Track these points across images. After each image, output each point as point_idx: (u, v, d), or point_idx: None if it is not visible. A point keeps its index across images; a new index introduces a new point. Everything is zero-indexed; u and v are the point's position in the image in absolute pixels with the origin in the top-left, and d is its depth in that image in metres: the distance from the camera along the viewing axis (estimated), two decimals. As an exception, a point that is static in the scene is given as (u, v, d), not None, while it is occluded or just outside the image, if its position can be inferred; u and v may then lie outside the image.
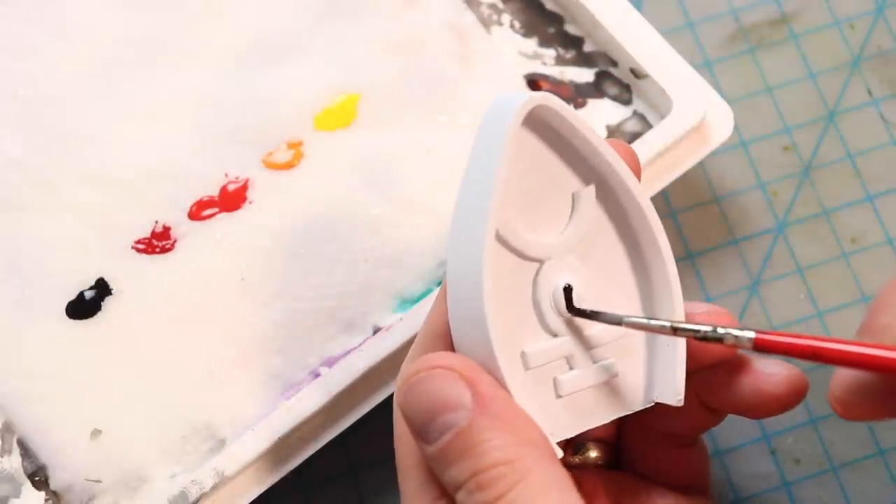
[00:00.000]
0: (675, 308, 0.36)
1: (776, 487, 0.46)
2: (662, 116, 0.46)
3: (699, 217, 0.49)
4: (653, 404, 0.36)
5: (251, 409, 0.44)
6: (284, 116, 0.47)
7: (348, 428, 0.43)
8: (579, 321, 0.35)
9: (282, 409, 0.42)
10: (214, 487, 0.42)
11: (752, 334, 0.32)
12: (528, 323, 0.35)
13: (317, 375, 0.44)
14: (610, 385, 0.36)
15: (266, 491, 0.42)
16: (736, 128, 0.47)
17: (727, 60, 0.51)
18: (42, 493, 0.43)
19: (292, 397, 0.43)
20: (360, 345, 0.44)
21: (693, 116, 0.45)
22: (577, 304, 0.35)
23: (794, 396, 0.36)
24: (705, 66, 0.51)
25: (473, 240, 0.32)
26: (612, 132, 0.47)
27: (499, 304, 0.33)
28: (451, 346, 0.34)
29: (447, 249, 0.34)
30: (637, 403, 0.36)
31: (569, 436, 0.35)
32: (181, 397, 0.44)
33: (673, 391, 0.35)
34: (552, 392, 0.35)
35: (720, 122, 0.46)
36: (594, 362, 0.36)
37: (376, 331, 0.44)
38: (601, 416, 0.36)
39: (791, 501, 0.46)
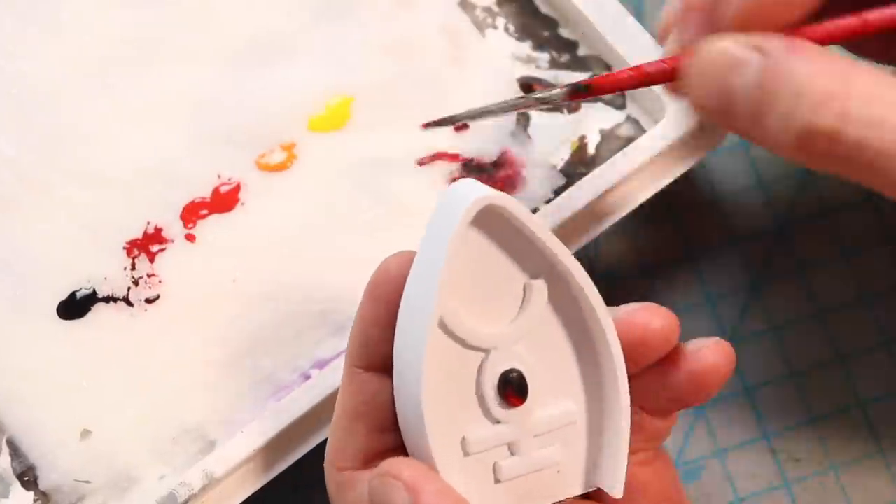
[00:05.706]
0: (621, 398, 0.36)
1: (776, 487, 0.46)
2: (656, 121, 0.46)
3: (699, 217, 0.49)
4: (594, 489, 0.37)
5: (241, 411, 0.44)
6: (278, 118, 0.47)
7: (338, 431, 0.43)
8: (522, 410, 0.36)
9: (272, 412, 0.42)
10: (203, 489, 0.42)
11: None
12: (470, 410, 0.35)
13: (307, 378, 0.44)
14: (550, 470, 0.36)
15: (255, 493, 0.42)
16: (735, 129, 0.47)
17: (725, 63, 0.51)
18: (31, 494, 0.43)
19: (282, 399, 0.43)
20: (351, 348, 0.44)
21: (685, 122, 0.45)
22: (522, 390, 0.36)
23: (724, 364, 0.36)
24: (703, 69, 0.51)
25: (417, 328, 0.34)
26: (606, 136, 0.47)
27: (441, 392, 0.34)
28: (374, 425, 0.36)
29: (395, 334, 0.35)
30: (577, 488, 0.37)
31: None
32: (171, 398, 0.44)
33: (613, 480, 0.36)
34: (492, 477, 0.36)
35: (719, 123, 0.46)
36: (536, 449, 0.36)
37: (367, 334, 0.44)
38: (540, 500, 0.36)
39: (791, 500, 0.46)
